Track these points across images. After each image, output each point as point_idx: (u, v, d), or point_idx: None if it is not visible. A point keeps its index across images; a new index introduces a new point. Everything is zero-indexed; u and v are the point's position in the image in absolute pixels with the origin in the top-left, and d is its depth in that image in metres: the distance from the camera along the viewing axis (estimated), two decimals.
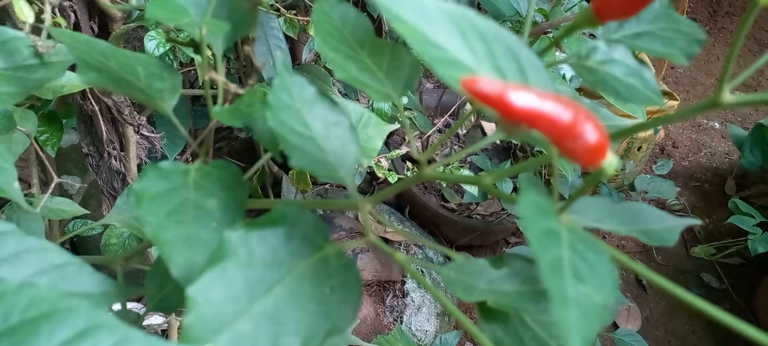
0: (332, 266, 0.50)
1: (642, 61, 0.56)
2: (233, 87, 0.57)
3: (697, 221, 0.61)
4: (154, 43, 0.97)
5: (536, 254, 0.36)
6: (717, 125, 2.94)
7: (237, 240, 0.47)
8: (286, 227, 0.49)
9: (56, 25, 0.69)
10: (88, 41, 0.60)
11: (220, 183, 0.55)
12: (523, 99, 0.36)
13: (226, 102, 0.59)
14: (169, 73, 0.61)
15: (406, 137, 1.43)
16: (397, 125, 0.88)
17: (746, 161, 2.10)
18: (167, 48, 0.91)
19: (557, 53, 1.36)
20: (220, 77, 0.56)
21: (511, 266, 0.57)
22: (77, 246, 1.58)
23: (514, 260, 0.58)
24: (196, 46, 0.61)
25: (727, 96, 0.46)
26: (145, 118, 1.04)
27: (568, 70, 1.37)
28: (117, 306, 0.76)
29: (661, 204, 2.35)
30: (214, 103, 0.59)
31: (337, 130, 0.55)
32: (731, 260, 2.29)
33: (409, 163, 1.59)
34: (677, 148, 2.77)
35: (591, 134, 0.37)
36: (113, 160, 0.98)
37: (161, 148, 1.18)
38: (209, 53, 0.66)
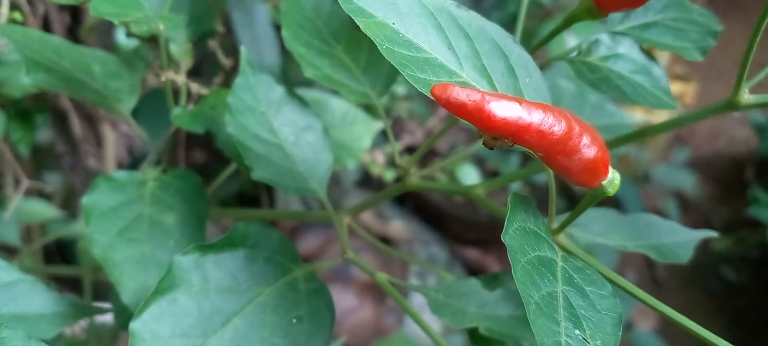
0: (301, 292, 0.44)
1: (650, 56, 0.50)
2: (195, 87, 0.51)
3: (712, 234, 0.55)
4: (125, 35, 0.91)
5: (522, 293, 0.30)
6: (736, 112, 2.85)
7: (189, 265, 0.41)
8: (246, 248, 0.43)
9: (13, 21, 0.64)
10: (40, 38, 0.54)
11: (179, 195, 0.50)
12: (505, 110, 0.29)
13: (191, 103, 0.54)
14: (129, 71, 0.55)
15: (405, 128, 1.37)
16: (389, 121, 0.82)
17: (766, 148, 2.03)
18: (141, 42, 0.85)
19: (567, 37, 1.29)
20: (180, 77, 0.50)
21: (507, 286, 0.51)
22: (64, 248, 1.52)
23: (510, 278, 0.52)
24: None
25: (746, 96, 0.40)
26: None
27: None
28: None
29: (678, 195, 2.28)
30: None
31: (307, 136, 0.49)
32: (750, 252, 2.22)
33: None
34: (694, 135, 2.69)
35: (587, 150, 0.31)
36: (90, 160, 0.93)
37: (143, 145, 1.12)
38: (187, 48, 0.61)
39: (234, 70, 0.51)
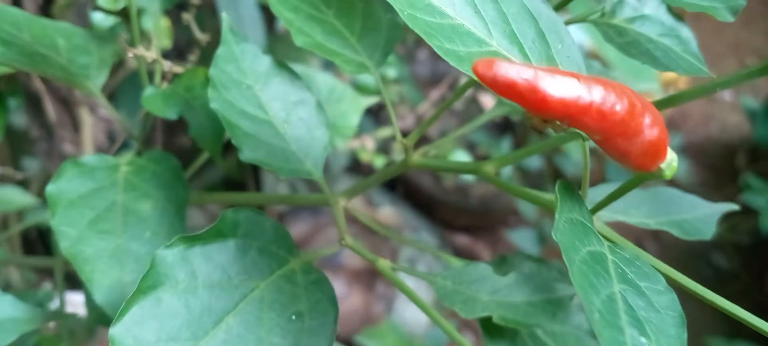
0: (299, 285, 0.40)
1: (679, 17, 0.45)
2: (167, 64, 0.46)
3: (734, 207, 0.52)
4: (101, 13, 0.86)
5: (583, 299, 0.25)
6: (727, 97, 2.83)
7: (173, 260, 0.36)
8: (237, 238, 0.39)
9: None
10: None
11: (156, 180, 0.45)
12: (562, 88, 0.24)
13: (165, 82, 0.49)
14: (98, 45, 0.50)
15: (395, 113, 1.32)
16: (377, 97, 0.77)
17: (758, 134, 2.01)
18: (117, 20, 0.80)
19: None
20: (151, 54, 0.45)
21: (519, 268, 0.46)
22: (45, 236, 1.47)
23: (521, 260, 0.48)
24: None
25: None
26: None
27: (573, 30, 1.24)
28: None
29: (670, 180, 2.26)
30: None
31: (300, 111, 0.44)
32: (742, 239, 2.20)
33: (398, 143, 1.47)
34: (686, 120, 2.67)
35: (650, 130, 0.26)
36: (66, 145, 0.88)
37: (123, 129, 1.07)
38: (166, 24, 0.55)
39: (210, 46, 0.46)
